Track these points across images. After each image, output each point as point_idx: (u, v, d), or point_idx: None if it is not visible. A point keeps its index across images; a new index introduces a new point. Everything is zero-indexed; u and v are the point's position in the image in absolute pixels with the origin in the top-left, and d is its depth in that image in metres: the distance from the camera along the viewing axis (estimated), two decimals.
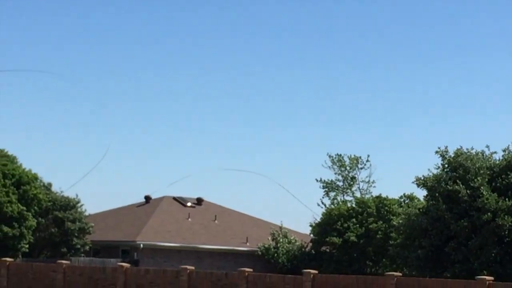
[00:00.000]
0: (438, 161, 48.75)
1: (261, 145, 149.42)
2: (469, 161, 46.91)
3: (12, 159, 61.82)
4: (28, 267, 54.27)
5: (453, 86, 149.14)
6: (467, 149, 48.50)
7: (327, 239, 58.36)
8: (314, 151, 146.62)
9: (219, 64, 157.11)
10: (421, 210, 48.58)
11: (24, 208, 57.68)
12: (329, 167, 76.62)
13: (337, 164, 76.20)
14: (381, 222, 57.60)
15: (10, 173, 58.38)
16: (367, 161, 76.65)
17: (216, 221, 72.64)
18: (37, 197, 59.42)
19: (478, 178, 45.74)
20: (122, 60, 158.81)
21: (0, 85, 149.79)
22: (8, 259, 53.81)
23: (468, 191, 45.36)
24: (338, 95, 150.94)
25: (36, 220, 59.05)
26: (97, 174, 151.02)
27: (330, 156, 76.56)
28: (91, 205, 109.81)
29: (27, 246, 58.26)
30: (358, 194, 73.15)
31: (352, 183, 75.91)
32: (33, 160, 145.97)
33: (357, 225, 58.23)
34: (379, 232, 56.96)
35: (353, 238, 57.17)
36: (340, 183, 75.90)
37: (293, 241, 64.94)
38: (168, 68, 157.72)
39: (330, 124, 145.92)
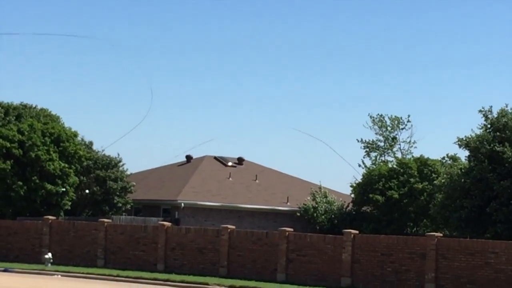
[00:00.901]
0: (481, 121, 48.67)
1: (303, 104, 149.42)
2: None
3: (55, 119, 62.29)
4: (70, 225, 55.01)
5: (498, 44, 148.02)
6: (511, 108, 48.23)
7: (371, 195, 58.33)
8: (355, 111, 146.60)
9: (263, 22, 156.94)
10: (463, 170, 48.51)
11: (66, 165, 58.19)
12: (370, 127, 76.73)
13: (378, 124, 76.06)
14: (425, 182, 57.51)
15: (49, 131, 58.80)
16: (408, 121, 76.60)
17: (257, 181, 72.93)
18: (77, 153, 60.08)
19: None
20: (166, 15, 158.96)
21: (46, 48, 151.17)
22: (50, 217, 54.62)
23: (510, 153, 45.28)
24: (378, 54, 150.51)
25: (78, 179, 59.42)
26: (138, 133, 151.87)
27: (371, 117, 76.59)
28: (132, 164, 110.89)
29: (69, 203, 58.95)
30: (399, 155, 73.22)
31: (393, 143, 75.82)
32: (75, 120, 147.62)
33: (400, 185, 58.18)
34: (424, 194, 56.92)
35: (395, 196, 57.22)
36: (381, 144, 75.80)
37: (332, 201, 65.10)
38: (213, 22, 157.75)
39: (372, 84, 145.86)
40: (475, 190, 46.04)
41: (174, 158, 78.70)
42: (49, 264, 49.98)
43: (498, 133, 46.52)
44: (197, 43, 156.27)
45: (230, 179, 72.13)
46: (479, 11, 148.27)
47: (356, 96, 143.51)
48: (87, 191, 61.60)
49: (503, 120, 47.00)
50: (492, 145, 45.91)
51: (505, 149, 45.24)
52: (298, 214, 64.44)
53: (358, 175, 66.91)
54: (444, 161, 59.01)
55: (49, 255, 51.02)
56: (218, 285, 42.67)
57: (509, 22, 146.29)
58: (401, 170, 59.27)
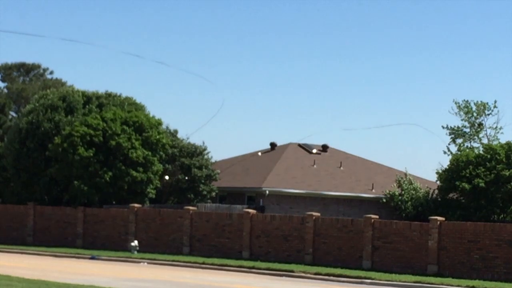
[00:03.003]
0: None
1: (388, 90, 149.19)
2: None
3: (140, 107, 63.01)
4: (155, 212, 55.84)
5: None
6: None
7: (457, 183, 58.21)
8: (441, 98, 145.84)
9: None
10: None
11: (149, 153, 58.97)
12: (456, 113, 76.34)
13: (464, 110, 75.71)
14: None
15: (132, 119, 59.65)
16: (495, 107, 75.84)
17: (341, 168, 73.12)
18: (160, 141, 60.54)
19: None
20: None
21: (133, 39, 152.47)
22: (136, 205, 55.65)
23: None
24: (463, 41, 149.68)
25: (162, 166, 60.18)
26: (222, 121, 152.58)
27: (456, 103, 76.18)
28: (217, 152, 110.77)
29: (154, 191, 59.71)
30: (485, 141, 72.66)
31: (479, 129, 75.16)
32: (161, 109, 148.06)
33: (486, 172, 58.02)
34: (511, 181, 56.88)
35: (482, 184, 57.15)
36: (467, 130, 75.45)
37: (418, 188, 65.02)
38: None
39: (457, 71, 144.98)
40: None
41: (259, 146, 79.59)
42: (135, 252, 51.00)
43: None
44: (277, 25, 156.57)
45: (315, 166, 72.30)
46: None
47: (441, 81, 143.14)
48: (166, 177, 62.22)
49: None
50: None
51: None
52: (384, 201, 64.54)
53: (444, 162, 66.81)
54: None
55: (135, 242, 52.01)
56: (304, 272, 43.08)
57: None
58: (488, 156, 59.00)
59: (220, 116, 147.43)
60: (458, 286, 38.39)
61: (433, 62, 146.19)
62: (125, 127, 58.91)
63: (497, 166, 57.90)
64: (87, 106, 61.67)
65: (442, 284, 38.97)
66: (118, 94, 64.27)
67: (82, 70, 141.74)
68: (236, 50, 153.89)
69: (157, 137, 60.10)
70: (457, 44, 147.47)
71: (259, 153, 76.02)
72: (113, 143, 57.91)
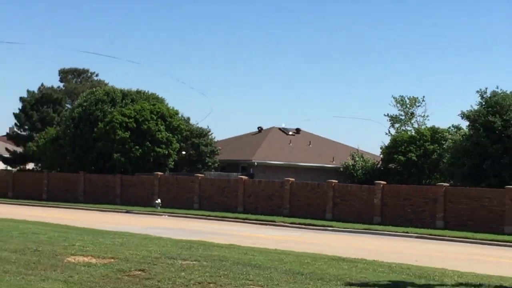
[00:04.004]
0: (478, 99, 48.67)
1: (342, 88, 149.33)
2: (503, 100, 46.84)
3: (160, 100, 63.16)
4: (173, 179, 56.21)
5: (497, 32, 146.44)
6: (501, 90, 48.34)
7: (395, 156, 58.47)
8: (378, 93, 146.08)
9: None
10: (464, 137, 48.70)
11: (170, 135, 59.29)
12: (394, 105, 76.70)
13: (400, 103, 76.02)
14: (436, 146, 57.60)
15: (156, 110, 59.79)
16: (423, 100, 76.05)
17: (310, 145, 73.24)
18: (179, 127, 60.98)
19: (510, 112, 45.89)
20: None
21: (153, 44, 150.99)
22: (159, 173, 56.06)
23: (501, 122, 45.44)
24: (398, 44, 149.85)
25: (179, 145, 60.42)
26: (222, 109, 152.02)
27: (394, 97, 76.64)
28: (218, 133, 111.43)
29: (173, 163, 60.10)
30: (416, 125, 72.79)
31: (411, 117, 75.36)
32: (178, 100, 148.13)
33: (417, 148, 58.31)
34: (434, 154, 57.06)
35: (413, 157, 57.40)
36: (402, 117, 75.66)
37: (367, 160, 65.19)
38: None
39: (396, 70, 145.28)
40: (473, 151, 46.14)
41: (249, 129, 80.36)
42: (159, 207, 51.21)
43: (490, 109, 46.57)
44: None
45: (290, 144, 72.17)
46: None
47: (382, 79, 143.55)
48: (183, 152, 62.43)
49: (495, 98, 47.15)
50: (486, 117, 46.01)
51: (496, 119, 45.38)
52: (341, 170, 64.68)
53: (385, 141, 66.91)
54: (450, 129, 58.87)
55: (159, 200, 52.24)
56: (283, 222, 43.35)
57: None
58: (418, 137, 59.27)
59: (220, 106, 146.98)
60: (395, 232, 38.76)
61: (375, 65, 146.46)
62: (152, 115, 59.05)
63: (425, 143, 58.17)
64: (123, 100, 61.93)
65: (384, 231, 39.30)
66: (146, 91, 64.40)
67: (120, 73, 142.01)
68: (233, 50, 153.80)
69: (177, 123, 60.41)
70: (397, 49, 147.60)
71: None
72: (145, 127, 58.19)
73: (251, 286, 18.12)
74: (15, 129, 74.10)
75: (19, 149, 72.79)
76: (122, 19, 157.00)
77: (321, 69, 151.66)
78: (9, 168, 72.23)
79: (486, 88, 48.99)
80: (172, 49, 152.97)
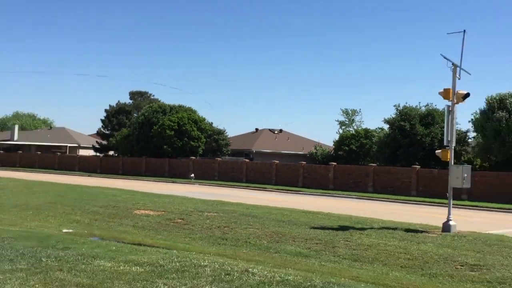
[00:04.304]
0: (394, 111, 48.82)
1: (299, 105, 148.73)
2: (410, 111, 46.93)
3: (194, 111, 62.93)
4: (202, 161, 55.75)
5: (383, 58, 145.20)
6: (409, 105, 48.45)
7: (342, 147, 58.29)
8: (332, 105, 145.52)
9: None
10: (385, 134, 48.79)
11: (199, 133, 59.09)
12: (342, 114, 76.87)
13: (345, 112, 76.37)
14: (368, 140, 57.54)
15: (191, 117, 59.58)
16: (360, 111, 77.09)
17: (288, 140, 73.18)
18: (205, 128, 60.61)
19: (414, 120, 45.99)
20: None
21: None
22: (193, 157, 55.66)
23: (409, 126, 45.53)
24: (344, 68, 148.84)
25: (205, 139, 60.30)
26: (232, 115, 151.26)
27: (342, 109, 77.27)
28: (230, 131, 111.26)
29: (201, 151, 59.75)
30: (355, 127, 72.67)
31: (352, 121, 75.63)
32: (204, 110, 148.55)
33: (356, 142, 58.15)
34: (367, 145, 56.98)
35: (354, 147, 57.21)
36: (347, 122, 75.78)
37: (324, 149, 65.11)
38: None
39: (343, 89, 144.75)
40: (391, 144, 46.16)
41: (249, 129, 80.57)
42: (192, 179, 50.93)
43: (402, 116, 46.65)
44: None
45: (276, 139, 72.09)
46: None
47: (332, 96, 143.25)
48: (213, 143, 62.46)
49: (405, 110, 47.27)
50: (399, 122, 46.11)
51: (406, 123, 45.49)
52: (308, 155, 64.64)
53: (336, 137, 66.83)
54: (377, 130, 58.74)
55: (192, 175, 52.11)
56: (271, 188, 43.27)
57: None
58: (356, 134, 59.06)
59: (230, 112, 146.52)
60: (342, 195, 38.66)
61: (329, 83, 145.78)
62: (189, 121, 58.65)
63: (361, 139, 58.05)
64: (170, 111, 61.80)
65: (335, 194, 39.28)
66: (184, 105, 64.32)
67: (167, 94, 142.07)
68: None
69: (203, 126, 60.24)
70: (343, 67, 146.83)
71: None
72: (183, 128, 57.89)
73: (251, 228, 18.26)
74: (102, 129, 74.64)
75: (104, 142, 73.20)
76: (160, 59, 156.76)
77: (298, 86, 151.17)
78: (98, 154, 72.64)
79: (399, 104, 49.27)
80: (197, 79, 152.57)
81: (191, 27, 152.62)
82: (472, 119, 43.33)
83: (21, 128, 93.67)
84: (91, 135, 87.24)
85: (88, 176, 55.75)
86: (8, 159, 72.32)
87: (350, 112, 76.90)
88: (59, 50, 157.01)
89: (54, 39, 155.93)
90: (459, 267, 12.98)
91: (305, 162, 49.52)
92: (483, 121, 40.70)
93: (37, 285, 8.46)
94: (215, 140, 62.48)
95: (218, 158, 55.74)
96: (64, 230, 16.95)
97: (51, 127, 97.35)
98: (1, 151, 77.57)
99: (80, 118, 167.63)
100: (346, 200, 35.53)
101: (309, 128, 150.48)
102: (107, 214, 21.69)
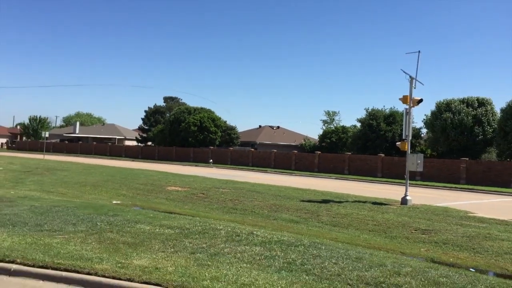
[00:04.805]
0: (365, 112, 48.72)
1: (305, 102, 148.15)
2: (376, 113, 46.73)
3: (212, 112, 62.39)
4: (218, 150, 54.41)
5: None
6: (376, 108, 48.28)
7: (325, 140, 57.95)
8: (316, 106, 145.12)
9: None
10: (358, 130, 48.58)
11: (216, 129, 58.77)
12: (325, 114, 76.74)
13: (328, 113, 76.19)
14: (345, 134, 57.17)
15: (210, 117, 59.14)
16: (339, 112, 77.60)
17: (284, 134, 73.00)
18: (221, 125, 60.19)
19: (380, 119, 45.77)
20: None
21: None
22: (211, 147, 54.64)
23: (376, 124, 45.33)
24: (332, 69, 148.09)
25: (220, 133, 60.03)
26: (241, 114, 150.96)
27: (325, 111, 77.23)
28: (239, 127, 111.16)
29: (218, 143, 59.36)
30: (335, 124, 72.36)
31: (333, 120, 75.34)
32: (220, 110, 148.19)
33: (336, 136, 57.76)
34: (344, 138, 56.64)
35: (334, 140, 56.88)
36: (328, 120, 75.63)
37: (312, 142, 64.81)
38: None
39: (326, 95, 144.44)
40: (362, 137, 46.01)
41: (254, 125, 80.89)
42: (211, 164, 50.72)
43: (371, 116, 46.48)
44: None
45: (275, 134, 72.01)
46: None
47: (317, 98, 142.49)
48: (227, 136, 62.21)
49: (373, 111, 47.18)
50: (369, 121, 45.93)
51: (373, 122, 45.34)
52: (299, 146, 64.47)
53: (320, 132, 66.59)
54: (351, 127, 58.36)
55: (211, 160, 52.03)
56: (270, 170, 42.96)
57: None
58: (336, 130, 58.71)
59: (239, 112, 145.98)
60: (325, 176, 38.36)
61: (313, 87, 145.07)
62: (208, 119, 58.19)
63: (339, 133, 57.62)
64: (194, 112, 61.35)
65: (319, 176, 39.04)
66: (205, 107, 63.98)
67: (192, 98, 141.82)
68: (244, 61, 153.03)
69: (219, 123, 59.91)
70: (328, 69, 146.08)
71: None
72: (204, 125, 57.46)
73: (255, 201, 18.25)
74: (142, 125, 74.60)
75: (144, 135, 73.09)
76: (188, 72, 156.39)
77: (292, 89, 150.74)
78: (139, 144, 72.58)
79: (369, 107, 49.42)
80: (215, 87, 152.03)
81: (205, 49, 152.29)
82: (424, 119, 43.33)
83: (81, 124, 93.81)
84: (134, 130, 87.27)
85: (132, 161, 55.61)
86: (71, 148, 72.47)
87: (331, 113, 76.71)
88: (114, 65, 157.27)
89: (105, 57, 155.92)
90: (413, 231, 12.99)
91: (296, 151, 49.35)
92: (433, 120, 40.66)
93: (93, 243, 8.54)
94: (228, 134, 62.34)
95: (231, 148, 55.44)
96: (114, 202, 17.00)
97: (104, 123, 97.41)
98: (66, 142, 77.91)
99: (126, 117, 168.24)
100: (328, 180, 35.47)
101: (299, 125, 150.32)
102: (146, 189, 21.71)
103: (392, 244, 11.50)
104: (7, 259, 7.23)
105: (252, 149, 53.56)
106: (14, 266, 7.05)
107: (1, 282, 6.75)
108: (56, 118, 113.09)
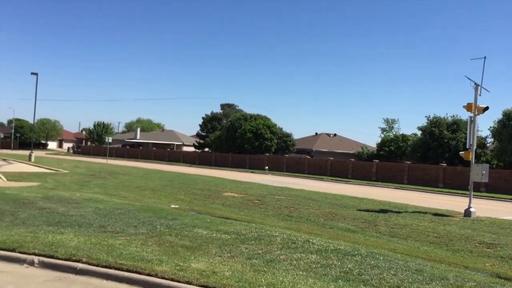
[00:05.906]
0: (426, 120, 47.29)
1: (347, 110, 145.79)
2: (438, 120, 45.35)
3: (268, 119, 62.65)
4: (273, 156, 54.71)
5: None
6: (438, 115, 46.82)
7: (384, 148, 56.78)
8: (375, 114, 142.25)
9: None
10: (418, 139, 47.29)
11: (272, 135, 58.93)
12: (384, 122, 75.41)
13: (386, 121, 74.84)
14: (404, 143, 55.79)
15: (266, 123, 59.42)
16: (398, 119, 75.74)
17: (341, 142, 72.16)
18: (276, 131, 60.32)
19: (442, 127, 44.34)
20: None
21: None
22: (267, 154, 54.98)
23: (438, 132, 44.00)
24: (389, 74, 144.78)
25: (276, 140, 60.12)
26: (296, 123, 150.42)
27: (384, 118, 75.83)
28: (295, 134, 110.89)
29: (273, 149, 59.56)
30: (394, 133, 70.76)
31: (392, 128, 73.83)
32: (276, 117, 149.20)
33: (395, 144, 56.52)
34: (403, 147, 55.25)
35: (392, 148, 55.72)
36: (387, 128, 74.08)
37: (370, 149, 63.60)
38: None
39: (384, 101, 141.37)
40: (423, 146, 44.80)
41: (310, 133, 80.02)
42: (267, 171, 50.88)
43: (432, 124, 45.14)
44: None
45: (331, 141, 71.33)
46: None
47: (375, 105, 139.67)
48: (282, 143, 62.29)
49: (434, 119, 45.74)
50: (430, 129, 44.59)
51: (435, 129, 43.97)
52: (356, 154, 63.36)
53: (378, 140, 65.41)
54: (411, 135, 56.84)
55: (267, 167, 52.19)
56: (327, 179, 42.37)
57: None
58: (395, 139, 57.52)
59: (295, 120, 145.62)
60: (384, 185, 37.54)
61: (372, 96, 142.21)
62: (264, 126, 58.44)
63: (398, 142, 56.36)
64: (250, 119, 61.95)
65: (378, 185, 38.14)
66: (261, 114, 64.47)
67: (247, 105, 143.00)
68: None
69: (275, 130, 60.01)
70: (382, 74, 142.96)
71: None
72: (260, 132, 57.79)
73: (311, 209, 18.13)
74: (200, 131, 76.05)
75: (201, 141, 74.48)
76: (244, 82, 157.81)
77: (349, 99, 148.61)
78: (196, 150, 74.07)
79: (430, 115, 47.92)
80: (271, 96, 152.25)
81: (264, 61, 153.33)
82: (490, 127, 41.51)
83: (142, 130, 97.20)
84: (192, 136, 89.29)
85: (189, 166, 56.68)
86: (132, 153, 75.08)
87: (390, 120, 75.05)
88: (174, 73, 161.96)
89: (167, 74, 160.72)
90: (477, 245, 12.42)
91: (353, 159, 48.53)
92: (500, 128, 38.90)
93: (153, 245, 8.80)
94: (284, 141, 62.29)
95: (286, 155, 55.36)
96: (172, 206, 17.42)
97: (163, 130, 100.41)
98: (128, 147, 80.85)
99: (184, 123, 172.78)
100: (386, 189, 34.62)
101: (357, 133, 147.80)
102: (203, 195, 22.09)
103: (454, 257, 11.05)
104: (73, 258, 7.58)
105: (308, 157, 53.20)
106: (80, 265, 7.37)
107: (68, 280, 7.05)
108: (119, 124, 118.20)
